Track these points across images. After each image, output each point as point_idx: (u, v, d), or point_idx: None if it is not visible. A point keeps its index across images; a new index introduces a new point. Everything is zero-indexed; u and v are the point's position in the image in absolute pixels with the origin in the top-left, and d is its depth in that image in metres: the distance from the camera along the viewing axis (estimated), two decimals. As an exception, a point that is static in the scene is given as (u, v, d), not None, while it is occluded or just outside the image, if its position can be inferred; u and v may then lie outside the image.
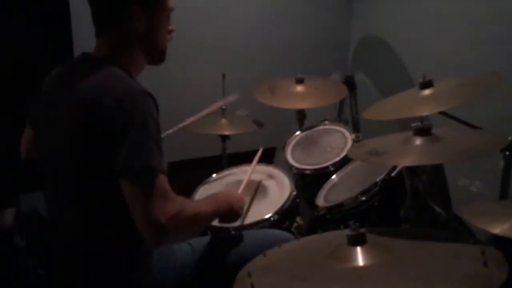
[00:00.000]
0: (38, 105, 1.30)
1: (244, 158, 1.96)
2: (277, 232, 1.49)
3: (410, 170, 1.56)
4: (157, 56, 1.31)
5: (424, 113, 1.42)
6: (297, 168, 1.95)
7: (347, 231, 1.01)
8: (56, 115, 1.21)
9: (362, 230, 1.01)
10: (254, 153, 1.87)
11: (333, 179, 1.86)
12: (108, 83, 1.14)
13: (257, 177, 1.84)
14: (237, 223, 1.50)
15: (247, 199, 1.64)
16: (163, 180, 1.12)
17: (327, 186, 1.83)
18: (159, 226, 1.09)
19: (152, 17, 1.23)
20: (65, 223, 1.24)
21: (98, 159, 1.13)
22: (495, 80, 1.44)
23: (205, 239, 1.44)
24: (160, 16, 1.25)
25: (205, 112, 2.04)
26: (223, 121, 2.26)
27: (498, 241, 1.01)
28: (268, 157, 1.73)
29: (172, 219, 1.10)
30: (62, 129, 1.18)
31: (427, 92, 1.49)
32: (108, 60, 1.21)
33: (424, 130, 1.29)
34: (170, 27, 1.30)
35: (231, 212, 1.39)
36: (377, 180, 1.60)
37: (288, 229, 1.65)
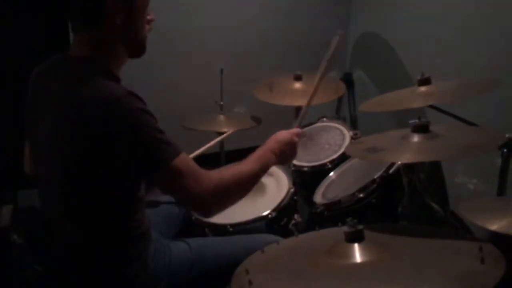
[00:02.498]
0: (26, 107, 1.29)
1: (242, 155, 1.96)
2: (276, 238, 1.47)
3: (408, 167, 1.56)
4: (137, 48, 1.26)
5: (419, 105, 1.42)
6: (295, 165, 1.95)
7: (344, 228, 1.01)
8: (45, 120, 1.19)
9: (360, 227, 1.01)
10: (252, 150, 1.86)
11: (331, 176, 1.86)
12: (95, 92, 1.11)
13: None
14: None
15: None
16: (187, 160, 1.16)
17: (325, 183, 1.83)
18: (206, 203, 1.16)
19: (129, 8, 1.19)
20: (61, 221, 1.23)
21: (95, 162, 1.12)
22: (493, 84, 1.45)
23: (204, 240, 1.44)
24: (138, 6, 1.21)
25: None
26: (221, 117, 2.26)
27: (495, 237, 1.02)
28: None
29: (215, 191, 1.16)
30: (53, 134, 1.17)
31: (424, 89, 1.49)
32: (91, 62, 1.18)
33: (422, 127, 1.29)
34: (149, 17, 1.26)
35: (282, 157, 1.42)
36: (375, 177, 1.60)
37: (285, 226, 1.66)
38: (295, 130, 1.49)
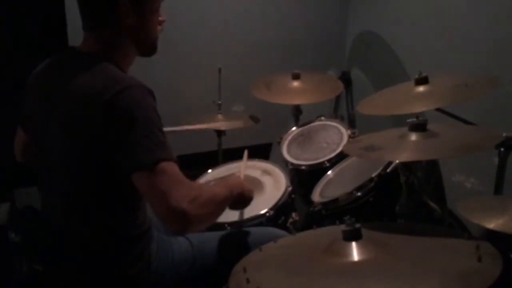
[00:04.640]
0: (26, 102, 1.29)
1: (240, 153, 1.96)
2: (274, 230, 1.48)
3: (406, 165, 1.56)
4: (148, 48, 1.28)
5: (418, 110, 1.42)
6: (293, 164, 1.95)
7: (342, 227, 1.02)
8: (50, 113, 1.19)
9: (357, 225, 1.01)
10: (250, 149, 1.87)
11: (329, 174, 1.86)
12: (104, 81, 1.12)
13: (252, 172, 1.84)
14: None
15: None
16: (174, 167, 1.12)
17: (322, 182, 1.84)
18: (181, 212, 1.07)
19: (142, 9, 1.20)
20: (63, 220, 1.23)
21: (98, 156, 1.13)
22: (493, 83, 1.45)
23: (203, 235, 1.44)
24: (150, 8, 1.22)
25: (198, 127, 2.01)
26: (219, 116, 2.26)
27: (492, 236, 1.02)
28: (264, 153, 1.73)
29: (193, 202, 1.09)
30: (58, 128, 1.17)
31: (422, 88, 1.49)
32: (100, 56, 1.19)
33: (419, 126, 1.29)
34: (160, 18, 1.27)
35: (243, 196, 1.38)
36: (373, 175, 1.60)
37: (283, 225, 1.66)
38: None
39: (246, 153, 1.80)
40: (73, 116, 1.14)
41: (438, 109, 1.54)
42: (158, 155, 1.10)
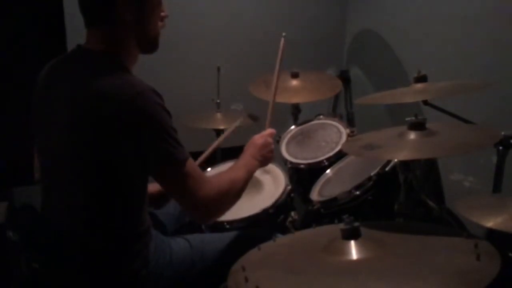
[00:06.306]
0: (34, 101, 1.28)
1: (238, 152, 1.96)
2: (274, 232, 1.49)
3: (404, 164, 1.57)
4: (149, 45, 1.27)
5: (413, 100, 1.43)
6: (291, 163, 1.95)
7: (341, 225, 1.02)
8: (58, 113, 1.18)
9: (356, 224, 1.01)
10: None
11: (328, 173, 1.86)
12: (115, 83, 1.12)
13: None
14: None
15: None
16: (192, 164, 1.18)
17: (321, 181, 1.84)
18: (207, 208, 1.20)
19: (142, 5, 1.19)
20: (63, 219, 1.23)
21: (101, 157, 1.13)
22: (492, 83, 1.46)
23: (203, 236, 1.45)
24: (151, 4, 1.22)
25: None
26: (218, 115, 2.26)
27: (491, 234, 1.02)
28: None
29: (215, 197, 1.20)
30: (65, 128, 1.16)
31: (420, 86, 1.50)
32: (107, 56, 1.18)
33: (418, 125, 1.29)
34: (163, 14, 1.26)
35: (264, 161, 1.45)
36: (371, 174, 1.60)
37: (282, 224, 1.66)
38: (268, 131, 1.54)
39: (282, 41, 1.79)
40: (79, 116, 1.13)
41: (437, 108, 1.54)
42: (181, 155, 1.15)
